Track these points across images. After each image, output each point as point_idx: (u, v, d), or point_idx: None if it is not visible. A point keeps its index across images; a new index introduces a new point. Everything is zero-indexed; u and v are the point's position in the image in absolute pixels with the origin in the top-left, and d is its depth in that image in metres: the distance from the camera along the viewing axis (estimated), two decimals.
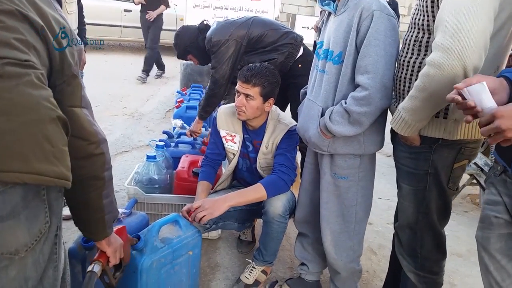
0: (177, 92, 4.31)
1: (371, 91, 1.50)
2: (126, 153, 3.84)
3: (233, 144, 2.18)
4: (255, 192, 1.89)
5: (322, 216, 1.81)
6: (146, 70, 6.71)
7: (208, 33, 2.75)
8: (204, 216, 1.77)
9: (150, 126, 4.60)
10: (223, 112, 2.18)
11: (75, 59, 1.03)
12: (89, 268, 1.28)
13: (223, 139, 2.19)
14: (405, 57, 1.52)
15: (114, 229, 1.42)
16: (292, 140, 2.04)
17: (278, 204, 1.94)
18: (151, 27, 6.67)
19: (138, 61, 8.24)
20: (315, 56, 1.82)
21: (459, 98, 1.06)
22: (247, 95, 1.94)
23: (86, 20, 7.94)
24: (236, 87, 1.99)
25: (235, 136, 2.16)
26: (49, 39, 0.94)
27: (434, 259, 1.62)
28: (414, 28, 1.49)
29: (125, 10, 8.32)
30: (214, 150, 2.22)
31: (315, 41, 4.80)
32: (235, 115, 2.08)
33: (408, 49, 1.51)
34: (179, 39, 2.92)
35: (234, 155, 2.20)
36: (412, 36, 1.50)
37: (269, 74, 1.95)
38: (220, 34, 2.69)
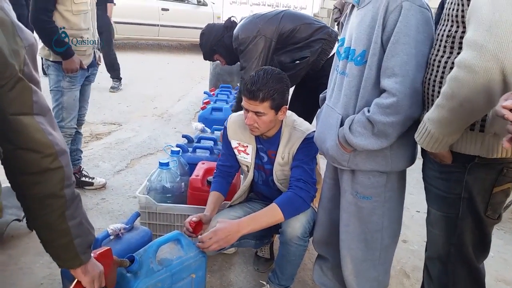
0: (204, 93, 4.15)
1: (399, 97, 1.25)
2: (151, 155, 3.73)
3: (245, 155, 1.97)
4: (270, 216, 1.67)
5: (342, 241, 1.57)
6: (116, 76, 5.76)
7: (235, 30, 2.56)
8: (214, 247, 1.60)
9: (178, 127, 4.48)
10: (233, 121, 1.98)
11: (21, 59, 0.87)
12: None
13: (235, 150, 1.99)
14: (436, 55, 1.25)
15: (97, 252, 1.27)
16: (310, 149, 1.80)
17: (296, 225, 1.71)
18: (104, 27, 5.26)
19: (175, 60, 8.26)
20: (335, 55, 1.57)
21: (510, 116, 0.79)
22: (257, 112, 1.72)
23: (123, 19, 7.91)
24: (243, 103, 1.75)
25: (247, 146, 1.95)
26: None
27: None
28: (447, 20, 1.22)
29: (163, 9, 8.32)
30: (225, 162, 2.03)
31: None
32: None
33: (439, 46, 1.25)
34: (204, 38, 2.73)
35: (248, 167, 1.99)
36: (444, 30, 1.23)
37: (276, 82, 1.69)
38: (248, 30, 2.49)
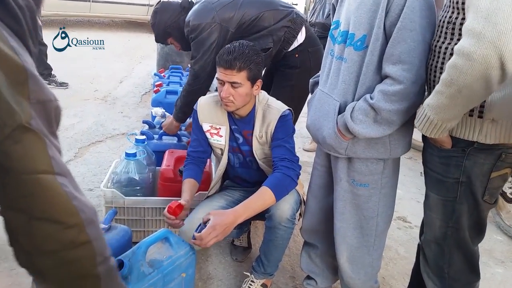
0: (154, 75, 3.93)
1: (407, 84, 1.24)
2: (100, 143, 3.48)
3: (219, 138, 1.88)
4: (263, 200, 1.60)
5: (336, 229, 1.56)
6: (48, 74, 4.56)
7: (188, 14, 2.29)
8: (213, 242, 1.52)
9: (125, 111, 4.22)
10: (203, 103, 1.87)
11: (25, 110, 0.69)
12: None
13: (207, 134, 1.89)
14: (437, 41, 1.25)
15: None
16: (287, 127, 1.77)
17: (285, 207, 1.67)
18: None
19: (109, 38, 7.71)
20: (329, 39, 1.52)
21: None
22: (233, 83, 1.64)
23: None
24: (217, 75, 1.67)
25: (220, 128, 1.86)
26: None
27: (465, 282, 1.40)
28: (449, 6, 1.22)
29: None
30: (197, 148, 1.92)
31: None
32: (218, 104, 1.80)
33: (441, 32, 1.25)
34: (158, 18, 2.41)
35: (222, 150, 1.90)
36: (446, 16, 1.23)
37: (253, 54, 1.65)
38: (201, 16, 2.22)
